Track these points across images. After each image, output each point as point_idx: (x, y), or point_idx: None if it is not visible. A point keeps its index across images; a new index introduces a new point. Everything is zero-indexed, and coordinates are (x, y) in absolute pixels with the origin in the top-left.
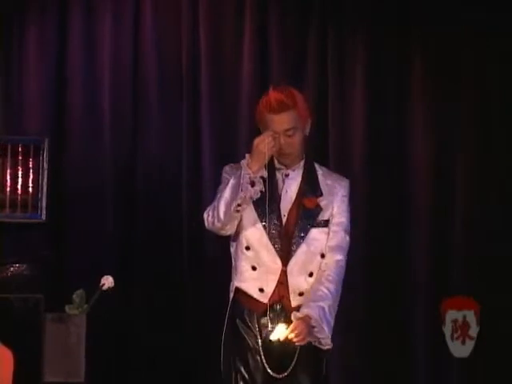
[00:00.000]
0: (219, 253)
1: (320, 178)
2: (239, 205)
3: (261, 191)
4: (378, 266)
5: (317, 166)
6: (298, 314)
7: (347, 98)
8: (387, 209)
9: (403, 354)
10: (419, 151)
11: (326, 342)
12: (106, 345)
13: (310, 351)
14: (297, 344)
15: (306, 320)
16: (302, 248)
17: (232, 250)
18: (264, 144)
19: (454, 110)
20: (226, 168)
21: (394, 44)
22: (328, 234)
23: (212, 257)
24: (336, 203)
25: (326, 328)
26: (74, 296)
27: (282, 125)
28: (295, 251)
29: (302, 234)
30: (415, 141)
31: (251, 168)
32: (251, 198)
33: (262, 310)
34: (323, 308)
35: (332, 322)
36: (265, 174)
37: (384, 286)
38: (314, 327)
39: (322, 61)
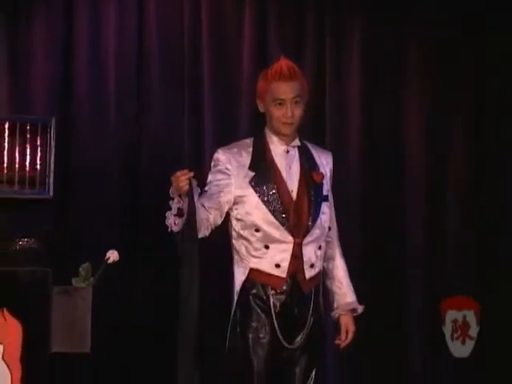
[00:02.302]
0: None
1: (313, 153)
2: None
3: (255, 170)
4: (376, 266)
5: (304, 141)
6: (343, 314)
7: (344, 87)
8: (385, 205)
9: (403, 354)
10: (416, 139)
11: (359, 308)
12: (111, 316)
13: (318, 326)
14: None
15: (350, 317)
16: (318, 223)
17: (234, 233)
18: (178, 182)
19: (451, 92)
20: (220, 153)
21: (390, 29)
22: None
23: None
24: (328, 179)
25: (355, 299)
26: (81, 269)
27: (291, 92)
28: (312, 225)
29: (317, 209)
30: (411, 128)
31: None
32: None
33: (280, 283)
34: (350, 284)
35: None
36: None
37: (383, 286)
38: (355, 310)
39: (321, 37)
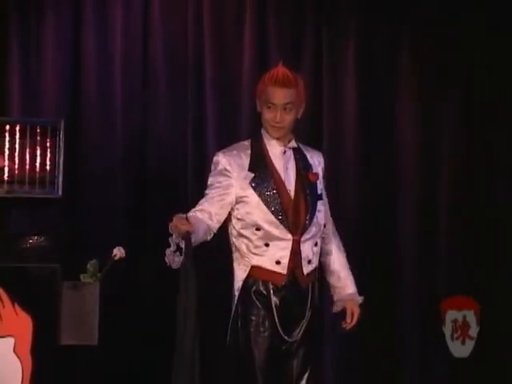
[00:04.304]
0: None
1: (306, 154)
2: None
3: (254, 171)
4: (375, 266)
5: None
6: (348, 300)
7: (341, 89)
8: (383, 205)
9: (403, 353)
10: (409, 138)
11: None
12: (118, 310)
13: (315, 319)
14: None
15: (355, 304)
16: (314, 220)
17: (234, 232)
18: (177, 226)
19: (442, 85)
20: (220, 156)
21: (384, 30)
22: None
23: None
24: (321, 178)
25: (355, 290)
26: (89, 265)
27: (283, 98)
28: (309, 223)
29: (314, 207)
30: (406, 129)
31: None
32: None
33: (281, 279)
34: (351, 274)
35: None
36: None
37: (383, 286)
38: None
39: (318, 42)
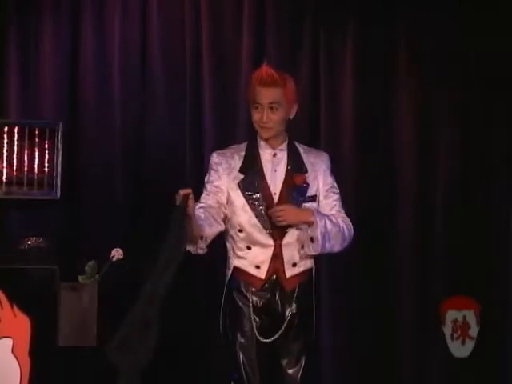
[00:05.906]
0: None
1: (303, 155)
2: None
3: (244, 173)
4: (375, 265)
5: (297, 144)
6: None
7: (338, 88)
8: (381, 205)
9: (402, 354)
10: (407, 138)
11: (315, 247)
12: (116, 311)
13: (301, 317)
14: (279, 220)
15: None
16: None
17: (226, 230)
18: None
19: (440, 85)
20: (214, 156)
21: (382, 30)
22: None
23: None
24: (321, 178)
25: (320, 229)
26: (87, 267)
27: (268, 98)
28: (292, 227)
29: None
30: (402, 130)
31: None
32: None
33: (259, 283)
34: (329, 218)
35: (330, 237)
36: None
37: (382, 286)
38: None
39: (316, 41)
